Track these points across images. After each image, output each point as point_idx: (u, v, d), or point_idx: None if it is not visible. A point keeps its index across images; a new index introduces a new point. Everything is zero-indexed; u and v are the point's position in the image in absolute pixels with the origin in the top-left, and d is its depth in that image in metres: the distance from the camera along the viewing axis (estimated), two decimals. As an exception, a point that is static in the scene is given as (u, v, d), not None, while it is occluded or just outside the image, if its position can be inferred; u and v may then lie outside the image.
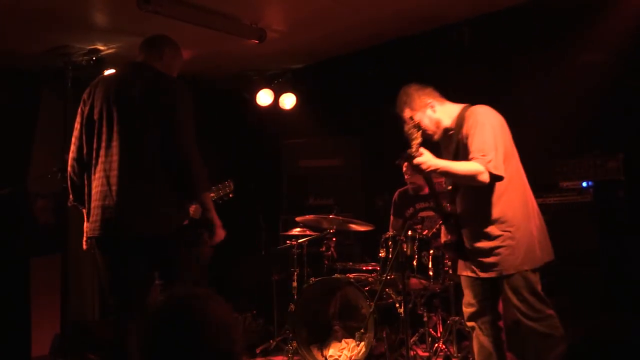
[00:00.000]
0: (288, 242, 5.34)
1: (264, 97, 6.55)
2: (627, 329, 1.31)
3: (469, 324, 3.50)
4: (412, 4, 4.86)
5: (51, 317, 5.32)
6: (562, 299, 3.81)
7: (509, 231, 3.23)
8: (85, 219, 3.43)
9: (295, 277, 5.23)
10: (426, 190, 5.43)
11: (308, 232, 5.40)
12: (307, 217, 5.21)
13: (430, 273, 4.60)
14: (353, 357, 4.65)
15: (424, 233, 4.82)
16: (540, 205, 3.42)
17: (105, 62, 5.49)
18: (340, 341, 4.86)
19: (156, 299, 1.70)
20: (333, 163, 6.45)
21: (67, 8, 4.56)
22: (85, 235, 3.46)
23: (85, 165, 3.42)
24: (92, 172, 3.36)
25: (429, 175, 3.30)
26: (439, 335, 4.84)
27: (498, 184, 3.21)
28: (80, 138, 3.46)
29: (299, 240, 5.28)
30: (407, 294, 4.61)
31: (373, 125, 6.26)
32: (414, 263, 4.55)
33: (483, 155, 3.12)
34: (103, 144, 3.34)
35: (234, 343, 1.57)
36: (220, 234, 3.43)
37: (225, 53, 5.82)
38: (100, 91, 3.47)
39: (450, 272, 4.65)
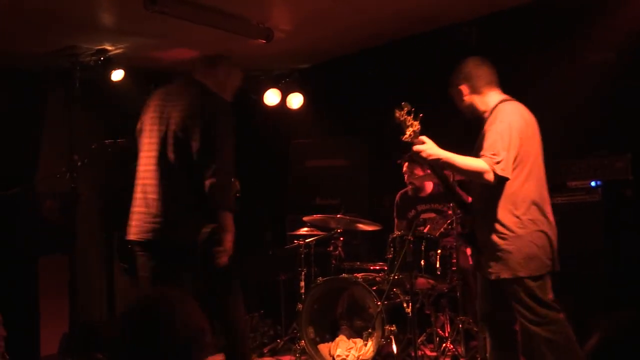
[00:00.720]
0: (295, 241, 5.34)
1: (272, 97, 6.55)
2: None
3: (481, 323, 3.45)
4: (418, 3, 4.86)
5: (59, 317, 5.35)
6: (569, 298, 3.80)
7: (508, 235, 3.19)
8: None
9: (303, 276, 5.23)
10: (427, 192, 5.44)
11: (315, 232, 5.40)
12: (315, 216, 5.22)
13: (438, 273, 4.61)
14: (361, 357, 4.66)
15: (432, 233, 4.83)
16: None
17: (113, 62, 5.51)
18: (347, 341, 4.87)
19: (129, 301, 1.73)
20: (339, 163, 6.45)
21: (74, 8, 4.57)
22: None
23: None
24: (136, 178, 3.55)
25: (432, 165, 3.26)
26: (446, 335, 4.84)
27: (508, 186, 3.18)
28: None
29: (307, 240, 5.28)
30: (415, 294, 4.62)
31: (379, 126, 6.24)
32: (422, 263, 4.56)
33: (493, 155, 3.10)
34: (144, 154, 3.54)
35: (198, 348, 1.59)
36: (225, 259, 3.42)
37: (232, 53, 5.80)
38: (152, 102, 3.66)
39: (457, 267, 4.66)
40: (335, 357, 4.77)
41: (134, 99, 5.78)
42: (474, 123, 3.47)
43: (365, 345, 4.65)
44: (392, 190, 5.80)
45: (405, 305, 4.65)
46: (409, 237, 4.48)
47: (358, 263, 5.30)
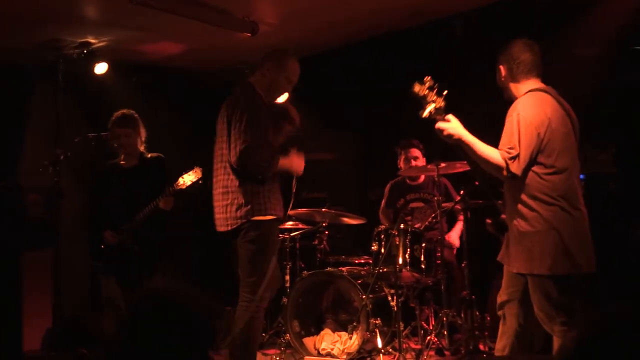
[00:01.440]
0: (281, 235, 5.33)
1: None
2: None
3: (499, 312, 3.36)
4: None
5: (43, 312, 5.31)
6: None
7: (529, 230, 3.10)
8: None
9: (288, 270, 5.23)
10: (420, 180, 5.46)
11: (300, 226, 5.40)
12: (300, 210, 5.21)
13: (423, 266, 4.62)
14: (345, 350, 4.67)
15: (416, 226, 4.84)
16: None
17: (96, 55, 5.47)
18: (332, 334, 4.87)
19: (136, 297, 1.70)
20: (326, 157, 6.45)
21: (58, 1, 4.54)
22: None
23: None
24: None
25: (457, 145, 3.13)
26: (431, 328, 4.85)
27: (533, 180, 3.09)
28: None
29: (292, 234, 5.28)
30: (400, 287, 4.64)
31: (367, 120, 6.26)
32: (407, 256, 4.57)
33: (510, 148, 3.03)
34: (214, 153, 3.98)
35: (205, 345, 1.57)
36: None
37: (217, 46, 5.80)
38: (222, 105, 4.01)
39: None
40: (320, 350, 4.77)
41: (118, 92, 5.77)
42: (467, 110, 3.43)
43: (350, 338, 4.66)
44: (378, 185, 5.81)
45: (389, 298, 4.67)
46: (394, 231, 4.49)
47: (343, 257, 5.30)
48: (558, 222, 3.08)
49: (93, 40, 5.38)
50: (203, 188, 4.38)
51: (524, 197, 3.12)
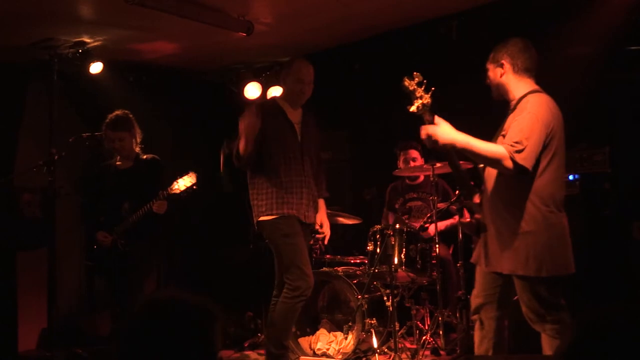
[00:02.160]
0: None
1: (252, 90, 6.51)
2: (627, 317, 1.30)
3: (473, 317, 3.38)
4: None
5: (38, 312, 5.31)
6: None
7: (522, 232, 3.07)
8: None
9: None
10: (419, 180, 5.47)
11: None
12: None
13: (418, 266, 4.63)
14: (341, 350, 4.67)
15: (412, 224, 4.85)
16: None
17: (91, 54, 5.45)
18: (328, 334, 4.87)
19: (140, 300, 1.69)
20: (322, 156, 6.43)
21: (53, 0, 4.52)
22: None
23: None
24: None
25: (446, 150, 3.07)
26: (426, 328, 4.85)
27: (526, 181, 3.07)
28: None
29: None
30: (395, 287, 4.64)
31: (361, 119, 6.26)
32: (402, 256, 4.57)
33: (516, 142, 2.99)
34: None
35: (211, 352, 1.57)
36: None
37: (212, 46, 5.79)
38: None
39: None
40: (315, 350, 4.77)
41: (113, 91, 5.76)
42: (458, 110, 3.42)
43: (346, 338, 4.66)
44: (373, 184, 5.81)
45: (385, 298, 4.67)
46: (389, 231, 4.50)
47: (339, 257, 5.30)
48: (549, 224, 3.09)
49: (88, 40, 5.36)
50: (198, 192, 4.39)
51: (516, 198, 3.10)
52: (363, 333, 4.53)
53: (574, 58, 4.75)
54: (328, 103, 6.46)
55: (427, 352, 4.67)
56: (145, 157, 4.67)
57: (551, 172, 3.11)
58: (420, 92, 3.03)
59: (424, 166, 4.95)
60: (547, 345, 3.13)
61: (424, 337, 4.70)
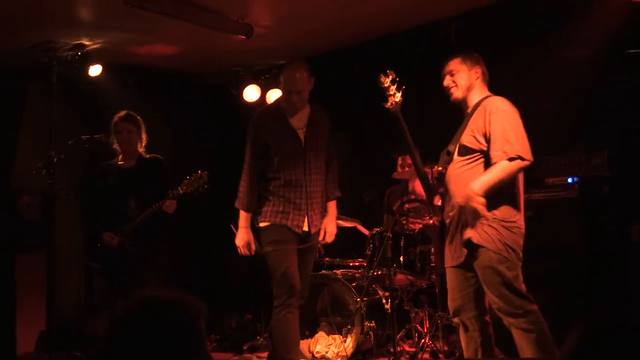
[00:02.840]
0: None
1: (251, 93, 6.52)
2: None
3: (454, 319, 3.46)
4: (398, 1, 4.87)
5: (36, 314, 5.29)
6: (547, 293, 3.83)
7: (492, 222, 3.19)
8: None
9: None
10: (416, 182, 5.47)
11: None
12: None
13: (417, 269, 4.63)
14: (340, 353, 4.66)
15: (411, 227, 4.85)
16: (525, 201, 3.41)
17: (90, 57, 5.46)
18: (327, 337, 4.87)
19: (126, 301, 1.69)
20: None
21: (52, 3, 4.53)
22: None
23: None
24: None
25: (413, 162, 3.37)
26: (425, 330, 4.86)
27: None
28: None
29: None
30: (394, 290, 4.63)
31: (360, 122, 6.25)
32: (401, 259, 4.57)
33: (505, 146, 3.14)
34: None
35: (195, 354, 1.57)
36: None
37: (212, 48, 5.79)
38: None
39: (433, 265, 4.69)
40: (314, 353, 4.77)
41: (112, 94, 5.76)
42: (457, 113, 3.49)
43: (345, 341, 4.66)
44: (372, 187, 5.81)
45: (384, 301, 4.67)
46: (388, 234, 4.49)
47: (338, 259, 5.30)
48: (519, 216, 3.26)
49: (87, 42, 5.37)
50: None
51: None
52: (362, 336, 4.53)
53: (573, 61, 4.76)
54: (327, 106, 6.46)
55: (426, 355, 4.67)
56: (148, 156, 4.67)
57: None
58: (392, 89, 3.15)
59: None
60: (522, 341, 3.18)
61: (423, 340, 4.70)
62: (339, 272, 4.95)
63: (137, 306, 1.58)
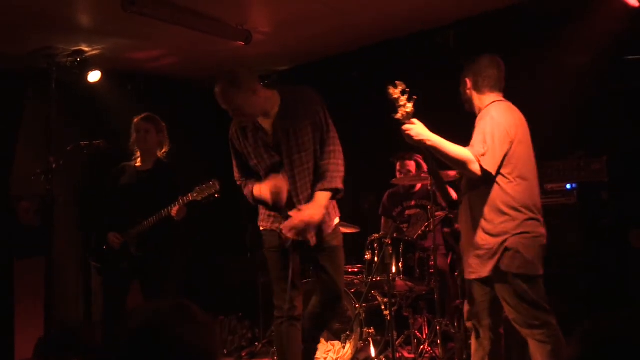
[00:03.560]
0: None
1: (250, 99, 6.51)
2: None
3: (467, 324, 3.42)
4: (397, 7, 4.88)
5: (35, 321, 5.28)
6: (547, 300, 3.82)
7: (490, 234, 3.18)
8: None
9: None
10: (416, 189, 5.47)
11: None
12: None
13: (416, 275, 4.62)
14: (339, 359, 4.65)
15: (410, 234, 4.85)
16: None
17: (89, 63, 5.46)
18: (326, 343, 4.86)
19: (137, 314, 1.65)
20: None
21: (51, 9, 4.53)
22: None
23: None
24: None
25: (422, 148, 3.17)
26: (424, 337, 4.85)
27: (498, 186, 3.17)
28: None
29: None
30: (393, 296, 4.63)
31: (360, 127, 6.25)
32: (400, 265, 4.57)
33: (478, 147, 3.12)
34: None
35: None
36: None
37: (211, 54, 5.80)
38: None
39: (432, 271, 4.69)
40: (313, 359, 4.76)
41: (111, 100, 5.76)
42: (456, 120, 3.50)
43: (344, 347, 4.65)
44: (371, 193, 5.81)
45: (383, 307, 4.66)
46: (387, 240, 4.49)
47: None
48: (531, 226, 3.19)
49: (86, 49, 5.37)
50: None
51: (492, 203, 3.19)
52: (361, 342, 4.52)
53: (572, 67, 4.76)
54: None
55: (425, 362, 4.66)
56: (166, 161, 4.63)
57: (520, 178, 3.20)
58: (403, 100, 3.11)
59: (422, 175, 4.95)
60: (537, 352, 3.15)
61: (421, 347, 4.69)
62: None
63: (146, 331, 1.55)
